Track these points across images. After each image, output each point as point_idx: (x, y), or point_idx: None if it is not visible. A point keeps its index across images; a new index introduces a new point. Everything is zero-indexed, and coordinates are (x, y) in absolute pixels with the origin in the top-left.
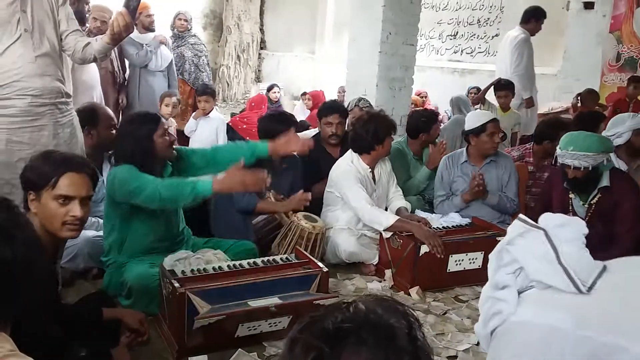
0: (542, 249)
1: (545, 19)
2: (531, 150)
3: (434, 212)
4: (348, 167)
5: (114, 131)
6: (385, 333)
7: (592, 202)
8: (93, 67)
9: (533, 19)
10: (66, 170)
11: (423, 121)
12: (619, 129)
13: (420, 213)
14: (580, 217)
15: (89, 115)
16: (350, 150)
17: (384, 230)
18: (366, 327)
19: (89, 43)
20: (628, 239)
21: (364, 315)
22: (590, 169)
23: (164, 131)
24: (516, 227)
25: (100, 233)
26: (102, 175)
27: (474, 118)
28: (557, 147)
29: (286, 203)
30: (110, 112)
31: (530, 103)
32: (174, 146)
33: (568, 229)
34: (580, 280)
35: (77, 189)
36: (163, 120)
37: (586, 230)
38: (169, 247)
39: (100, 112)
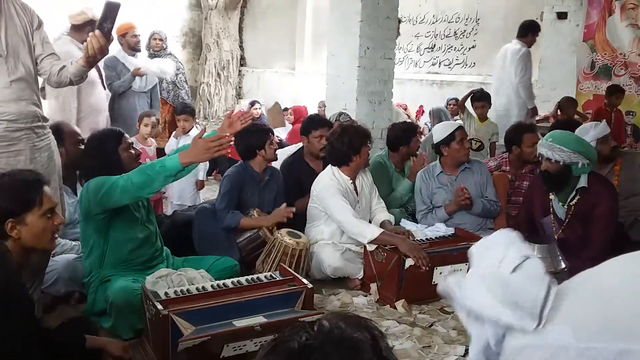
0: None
1: (539, 31)
2: (507, 159)
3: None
4: (330, 181)
5: (81, 146)
6: (348, 347)
7: (571, 203)
8: (100, 89)
9: (530, 32)
10: (42, 185)
11: (402, 133)
12: (584, 138)
13: (403, 223)
14: (560, 218)
15: (55, 133)
16: (330, 165)
17: (368, 243)
18: (330, 343)
19: (64, 66)
20: (601, 240)
21: (327, 332)
22: (562, 164)
23: (128, 145)
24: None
25: (80, 255)
26: (76, 195)
27: (442, 129)
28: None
29: (270, 217)
30: (75, 128)
31: (534, 112)
32: (141, 161)
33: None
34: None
35: (54, 198)
36: (126, 135)
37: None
38: (150, 260)
39: (65, 128)
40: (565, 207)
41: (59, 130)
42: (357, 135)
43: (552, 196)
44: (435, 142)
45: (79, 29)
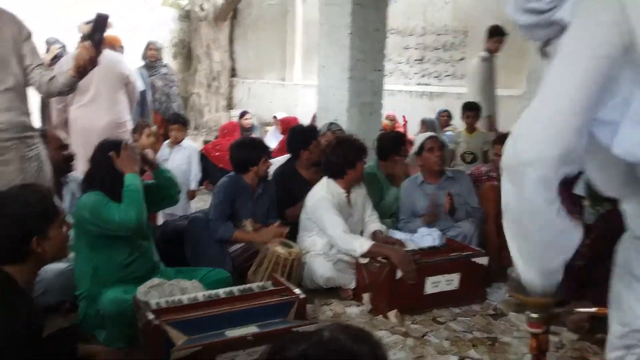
0: None
1: (504, 36)
2: (498, 165)
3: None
4: (324, 194)
5: (65, 152)
6: (348, 359)
7: (606, 207)
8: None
9: (493, 37)
10: (53, 196)
11: (393, 142)
12: None
13: (392, 233)
14: (587, 223)
15: None
16: (325, 177)
17: (360, 256)
18: (329, 354)
19: (54, 77)
20: None
21: (326, 343)
22: None
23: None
24: None
25: (71, 264)
26: (61, 200)
27: (415, 142)
28: None
29: (262, 234)
30: (58, 133)
31: (490, 121)
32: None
33: None
34: None
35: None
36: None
37: None
38: (145, 276)
39: (48, 134)
40: (602, 211)
41: (43, 136)
42: (353, 149)
43: (585, 202)
44: (412, 153)
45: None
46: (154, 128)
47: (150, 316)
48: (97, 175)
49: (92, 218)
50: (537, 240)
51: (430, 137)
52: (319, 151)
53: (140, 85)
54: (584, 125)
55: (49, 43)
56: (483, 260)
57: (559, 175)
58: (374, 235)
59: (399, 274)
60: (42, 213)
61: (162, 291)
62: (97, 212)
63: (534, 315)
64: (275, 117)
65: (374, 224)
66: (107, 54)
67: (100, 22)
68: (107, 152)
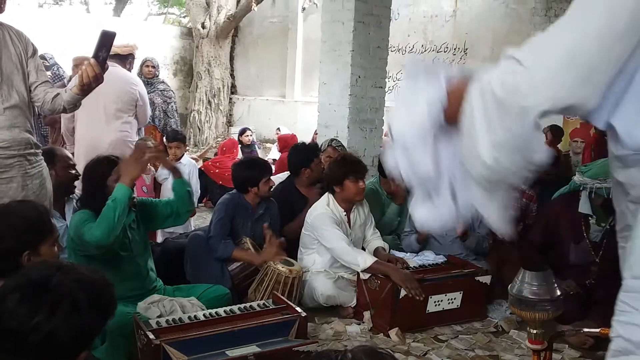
0: None
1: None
2: None
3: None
4: (324, 210)
5: (72, 171)
6: None
7: (612, 223)
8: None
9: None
10: (50, 214)
11: None
12: None
13: (396, 253)
14: (595, 241)
15: (47, 156)
16: (327, 193)
17: (361, 272)
18: None
19: (58, 94)
20: None
21: None
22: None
23: (117, 176)
24: None
25: None
26: (65, 219)
27: None
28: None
29: (262, 254)
30: (67, 152)
31: None
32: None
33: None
34: None
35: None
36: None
37: None
38: (143, 295)
39: (57, 152)
40: (607, 227)
41: (52, 153)
42: (339, 167)
43: (591, 219)
44: None
45: (123, 59)
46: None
47: (151, 336)
48: (85, 192)
49: (75, 237)
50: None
51: None
52: (320, 169)
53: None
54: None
55: (44, 58)
56: (485, 279)
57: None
58: (377, 253)
59: (402, 293)
60: (37, 228)
61: (162, 307)
62: (79, 231)
63: (534, 332)
64: (278, 129)
65: (377, 241)
66: (120, 73)
67: (106, 40)
68: (99, 168)
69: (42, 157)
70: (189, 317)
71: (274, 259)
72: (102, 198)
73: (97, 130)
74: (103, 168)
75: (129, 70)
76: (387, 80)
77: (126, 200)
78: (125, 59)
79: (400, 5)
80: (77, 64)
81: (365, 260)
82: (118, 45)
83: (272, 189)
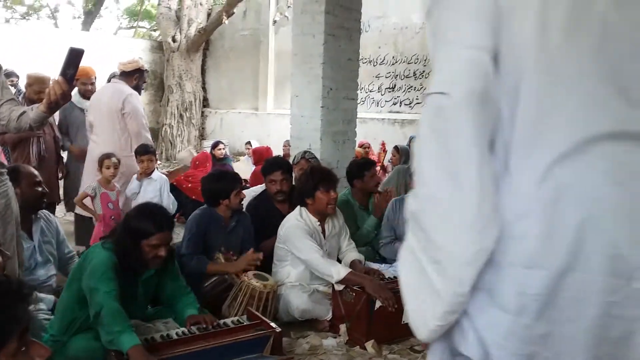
0: None
1: None
2: None
3: (384, 262)
4: (297, 222)
5: (39, 188)
6: None
7: None
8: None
9: None
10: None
11: (356, 168)
12: None
13: (371, 265)
14: None
15: (12, 174)
16: (299, 206)
17: (336, 283)
18: None
19: (24, 112)
20: None
21: None
22: None
23: (160, 242)
24: None
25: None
26: (32, 240)
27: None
28: None
29: (237, 263)
30: (32, 169)
31: None
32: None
33: None
34: None
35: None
36: (164, 232)
37: None
38: None
39: (22, 169)
40: None
41: (17, 171)
42: (310, 179)
43: None
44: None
45: (129, 75)
46: (114, 160)
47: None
48: (119, 238)
49: (87, 273)
50: None
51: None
52: (290, 183)
53: None
54: None
55: (6, 75)
56: None
57: None
58: (353, 265)
59: (378, 304)
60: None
61: (138, 333)
62: (94, 273)
63: None
64: (249, 142)
65: (353, 253)
66: (107, 87)
67: (74, 57)
68: (137, 223)
69: (7, 177)
70: (162, 337)
71: (248, 266)
72: (135, 257)
73: (98, 145)
74: (147, 228)
75: (139, 85)
76: (358, 92)
77: (114, 345)
78: (131, 75)
79: (370, 18)
80: (31, 83)
81: (339, 271)
82: (123, 62)
83: (247, 203)
